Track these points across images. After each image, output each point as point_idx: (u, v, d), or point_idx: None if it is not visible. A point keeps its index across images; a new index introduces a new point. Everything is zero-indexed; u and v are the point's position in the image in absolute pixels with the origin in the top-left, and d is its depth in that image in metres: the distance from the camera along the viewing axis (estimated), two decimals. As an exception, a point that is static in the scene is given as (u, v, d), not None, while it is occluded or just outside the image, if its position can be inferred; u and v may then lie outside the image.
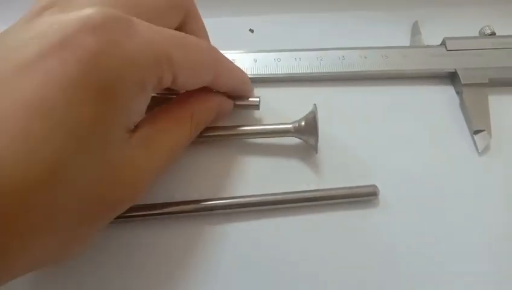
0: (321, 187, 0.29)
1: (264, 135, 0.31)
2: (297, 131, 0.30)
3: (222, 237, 0.28)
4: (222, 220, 0.28)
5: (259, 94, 0.33)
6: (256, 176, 0.30)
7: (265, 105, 0.33)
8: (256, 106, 0.31)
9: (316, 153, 0.30)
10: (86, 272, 0.27)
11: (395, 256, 0.27)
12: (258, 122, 0.33)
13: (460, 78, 0.33)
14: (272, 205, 0.29)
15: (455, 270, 0.27)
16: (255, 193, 0.29)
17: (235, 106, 0.31)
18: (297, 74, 0.34)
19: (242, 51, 0.35)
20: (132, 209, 0.27)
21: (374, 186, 0.29)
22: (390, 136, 0.32)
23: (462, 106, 0.33)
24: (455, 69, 0.33)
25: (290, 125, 0.30)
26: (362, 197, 0.29)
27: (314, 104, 0.29)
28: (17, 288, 0.26)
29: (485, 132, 0.31)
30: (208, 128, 0.30)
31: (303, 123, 0.29)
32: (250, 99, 0.31)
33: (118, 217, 0.24)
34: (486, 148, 0.31)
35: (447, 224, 0.28)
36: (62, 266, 0.27)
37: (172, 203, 0.28)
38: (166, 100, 0.27)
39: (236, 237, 0.28)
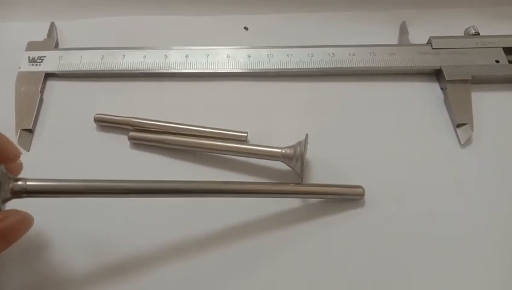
0: (308, 181, 0.30)
1: (251, 156, 0.31)
2: (284, 157, 0.30)
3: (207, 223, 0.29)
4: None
5: (253, 89, 0.35)
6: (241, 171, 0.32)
7: (258, 99, 0.35)
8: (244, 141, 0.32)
9: (301, 181, 0.30)
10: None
11: (380, 248, 0.28)
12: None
13: (445, 75, 0.34)
14: (257, 195, 0.29)
15: (442, 264, 0.28)
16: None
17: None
18: (288, 69, 0.36)
19: (237, 47, 0.37)
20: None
21: (360, 187, 0.30)
22: (378, 129, 0.33)
23: (446, 101, 0.34)
24: (440, 67, 0.35)
25: (279, 150, 0.30)
26: (348, 195, 0.30)
27: (306, 134, 0.29)
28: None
29: (467, 126, 0.33)
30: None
31: (291, 152, 0.29)
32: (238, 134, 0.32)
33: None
34: (468, 141, 0.32)
35: (431, 211, 0.29)
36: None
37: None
38: None
39: (224, 223, 0.29)
